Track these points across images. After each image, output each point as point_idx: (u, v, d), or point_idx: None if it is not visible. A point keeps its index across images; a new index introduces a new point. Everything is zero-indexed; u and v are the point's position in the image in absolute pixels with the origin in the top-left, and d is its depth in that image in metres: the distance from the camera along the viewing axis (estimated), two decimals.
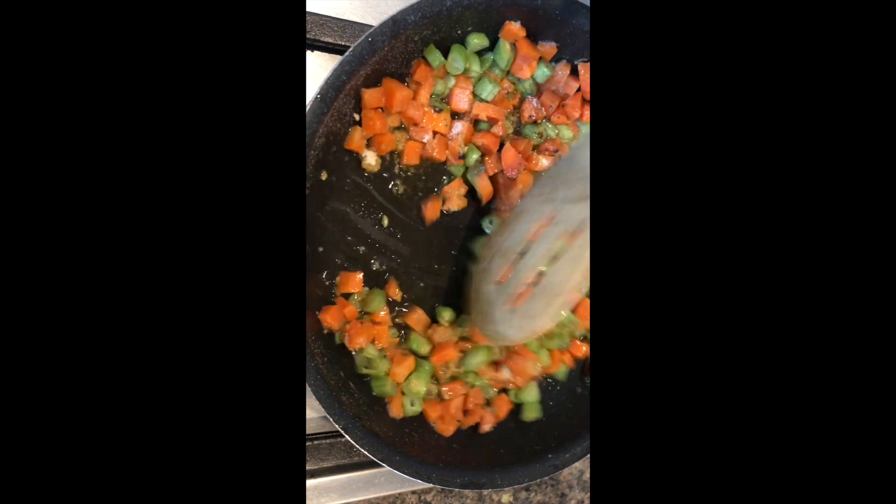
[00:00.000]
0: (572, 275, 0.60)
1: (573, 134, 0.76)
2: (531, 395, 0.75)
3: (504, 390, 0.75)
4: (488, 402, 0.75)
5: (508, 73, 0.74)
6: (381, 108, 0.69)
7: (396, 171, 0.72)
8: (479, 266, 0.69)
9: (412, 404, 0.70)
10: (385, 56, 0.66)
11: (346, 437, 0.65)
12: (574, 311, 0.75)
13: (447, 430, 0.72)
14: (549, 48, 0.73)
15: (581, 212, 0.58)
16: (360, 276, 0.70)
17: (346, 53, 0.64)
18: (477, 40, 0.71)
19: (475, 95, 0.72)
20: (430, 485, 0.67)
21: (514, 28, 0.71)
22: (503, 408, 0.75)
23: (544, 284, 0.62)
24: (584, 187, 0.58)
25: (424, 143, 0.72)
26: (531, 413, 0.75)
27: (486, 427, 0.73)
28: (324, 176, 0.68)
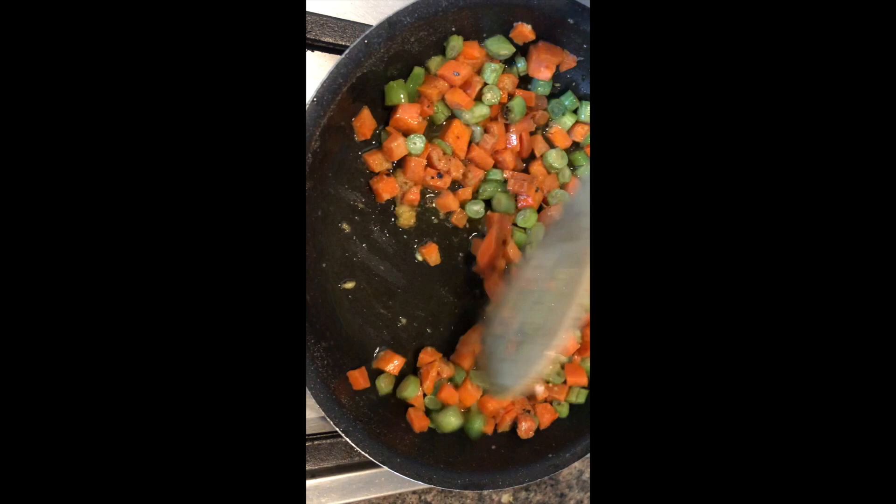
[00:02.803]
0: (563, 312, 0.57)
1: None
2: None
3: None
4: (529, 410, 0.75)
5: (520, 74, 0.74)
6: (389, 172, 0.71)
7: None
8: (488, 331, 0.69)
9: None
10: (381, 58, 0.66)
11: (346, 439, 0.65)
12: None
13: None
14: (568, 60, 0.73)
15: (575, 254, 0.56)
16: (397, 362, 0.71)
17: (343, 56, 0.64)
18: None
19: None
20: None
21: (525, 30, 0.71)
22: (546, 416, 0.75)
23: (535, 327, 0.59)
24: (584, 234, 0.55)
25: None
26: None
27: (524, 430, 0.74)
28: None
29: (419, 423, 0.70)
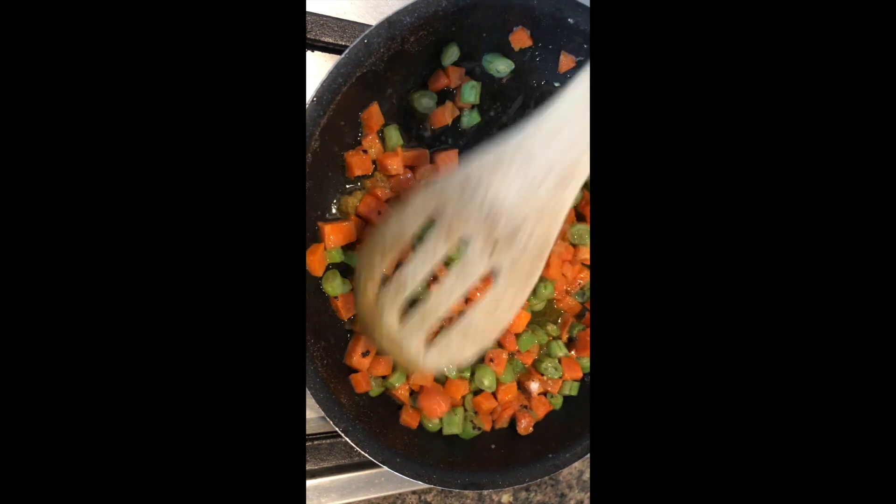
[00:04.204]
0: (495, 319, 0.55)
1: None
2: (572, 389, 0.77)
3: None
4: (526, 407, 0.75)
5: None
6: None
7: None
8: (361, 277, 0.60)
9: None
10: (381, 58, 0.66)
11: (346, 439, 0.65)
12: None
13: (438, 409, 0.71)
14: (567, 60, 0.73)
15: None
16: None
17: (342, 55, 0.64)
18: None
19: None
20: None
21: (525, 36, 0.71)
22: (541, 409, 0.75)
23: (462, 327, 0.56)
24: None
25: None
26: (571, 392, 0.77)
27: (524, 427, 0.74)
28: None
29: (408, 418, 0.71)
